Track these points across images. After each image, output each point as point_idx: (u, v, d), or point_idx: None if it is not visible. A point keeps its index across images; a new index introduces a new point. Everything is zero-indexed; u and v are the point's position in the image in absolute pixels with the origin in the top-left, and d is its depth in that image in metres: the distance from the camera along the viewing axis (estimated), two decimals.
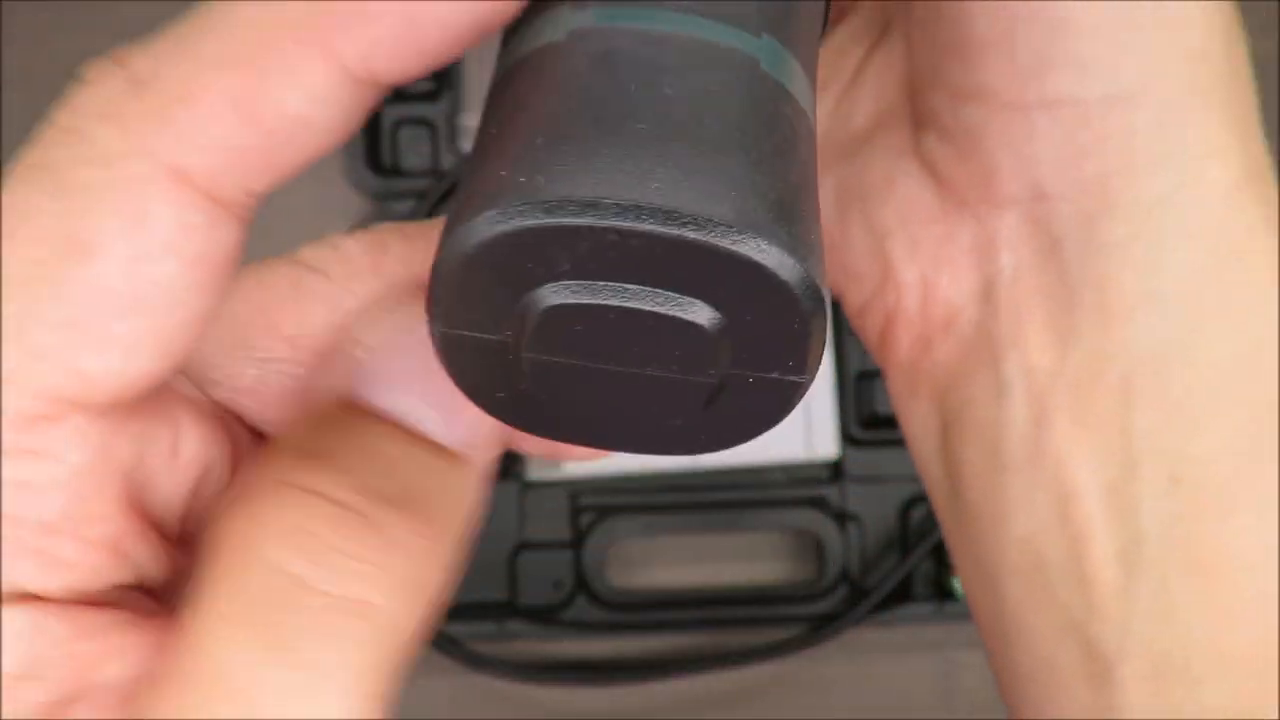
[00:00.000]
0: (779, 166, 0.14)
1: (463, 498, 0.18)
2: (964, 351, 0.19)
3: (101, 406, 0.13)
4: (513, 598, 0.57)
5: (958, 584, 0.54)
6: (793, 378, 0.14)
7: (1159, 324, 0.17)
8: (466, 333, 0.14)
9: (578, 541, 0.57)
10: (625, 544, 0.58)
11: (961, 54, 0.18)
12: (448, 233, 0.14)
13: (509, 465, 0.57)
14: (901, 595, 0.56)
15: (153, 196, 0.13)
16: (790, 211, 0.13)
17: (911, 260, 0.19)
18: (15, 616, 0.13)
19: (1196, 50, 0.20)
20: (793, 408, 0.15)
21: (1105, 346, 0.18)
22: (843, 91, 0.21)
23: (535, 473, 0.57)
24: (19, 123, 0.59)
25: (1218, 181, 0.18)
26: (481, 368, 0.15)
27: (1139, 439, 0.17)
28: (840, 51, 0.21)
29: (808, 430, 0.56)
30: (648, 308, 0.14)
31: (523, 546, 0.57)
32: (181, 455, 0.15)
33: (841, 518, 0.58)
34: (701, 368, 0.14)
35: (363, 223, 0.56)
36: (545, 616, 0.55)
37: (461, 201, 0.14)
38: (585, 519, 0.57)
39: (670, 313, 0.14)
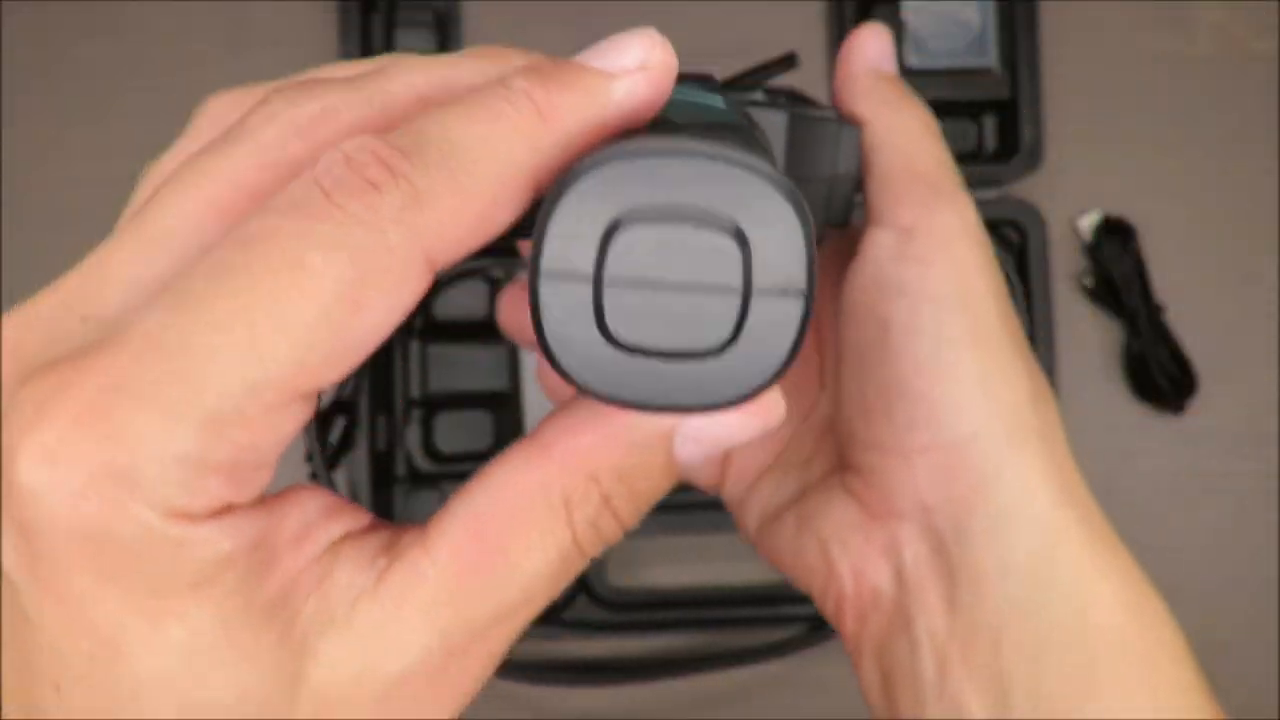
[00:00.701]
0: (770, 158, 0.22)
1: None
2: (888, 621, 0.27)
3: (307, 399, 0.19)
4: None
5: None
6: (799, 290, 0.19)
7: (1011, 591, 0.25)
8: (562, 269, 0.19)
9: None
10: (625, 544, 0.57)
11: (863, 419, 0.27)
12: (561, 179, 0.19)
13: None
14: None
15: (412, 277, 0.19)
16: (783, 174, 0.19)
17: (845, 558, 0.28)
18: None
19: (1014, 406, 0.26)
20: (803, 330, 0.19)
21: (978, 610, 0.25)
22: (804, 460, 0.31)
23: None
24: (19, 122, 0.59)
25: (1040, 491, 0.26)
26: (567, 305, 0.19)
27: (1007, 678, 0.25)
28: (799, 437, 0.32)
29: None
30: (690, 229, 0.19)
31: None
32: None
33: None
34: (732, 277, 0.19)
35: None
36: (545, 616, 0.55)
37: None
38: None
39: (708, 232, 0.19)
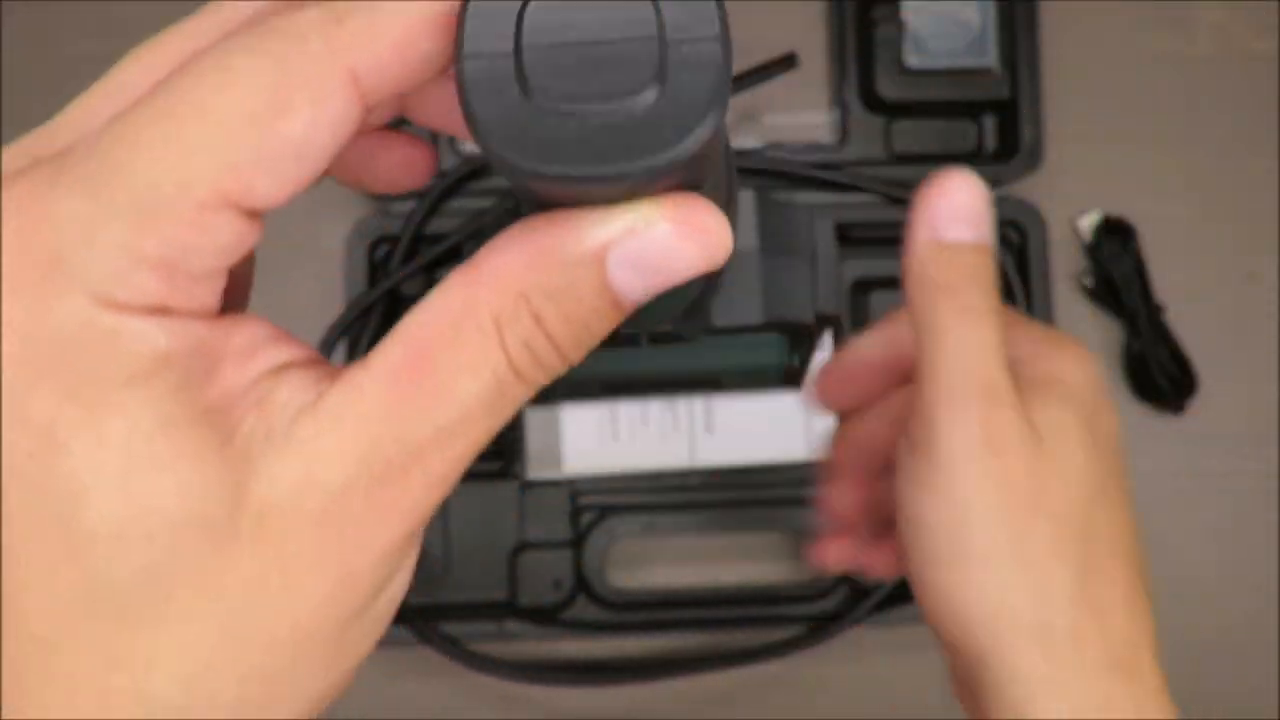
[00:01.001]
0: None
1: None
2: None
3: (248, 213, 0.20)
4: (513, 598, 0.57)
5: None
6: (714, 36, 0.19)
7: None
8: (484, 50, 0.19)
9: (578, 541, 0.57)
10: (625, 544, 0.58)
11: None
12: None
13: (508, 465, 0.57)
14: (901, 595, 0.56)
15: (336, 89, 0.19)
16: None
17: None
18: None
19: (1018, 623, 0.29)
20: (725, 71, 0.19)
21: None
22: None
23: (535, 472, 0.57)
24: (19, 122, 0.59)
25: (1041, 698, 0.29)
26: (491, 80, 0.19)
27: None
28: None
29: (808, 430, 0.56)
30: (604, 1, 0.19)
31: (523, 546, 0.57)
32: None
33: None
34: (648, 30, 0.19)
35: (363, 222, 0.56)
36: (545, 616, 0.55)
37: None
38: (585, 519, 0.57)
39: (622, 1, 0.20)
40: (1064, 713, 0.28)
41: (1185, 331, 0.59)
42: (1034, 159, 0.57)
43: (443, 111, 0.24)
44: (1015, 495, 0.28)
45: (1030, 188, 0.58)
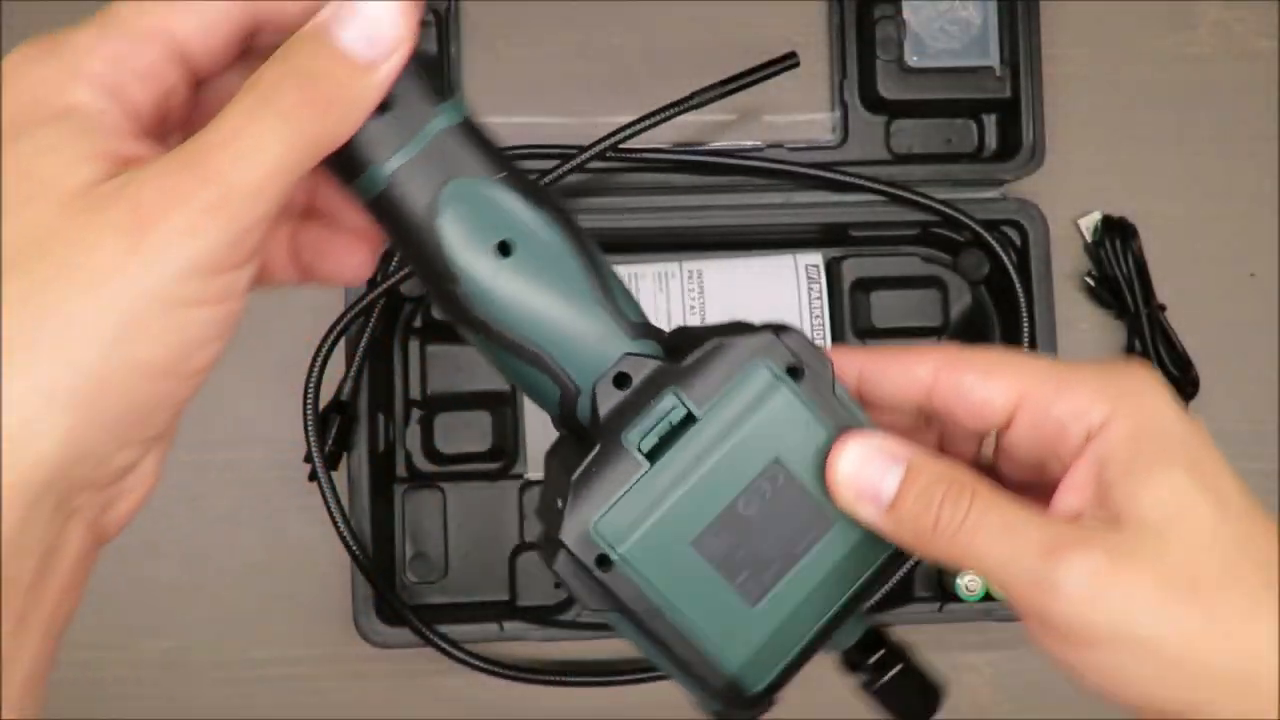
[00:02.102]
0: None
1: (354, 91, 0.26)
2: None
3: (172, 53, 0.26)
4: (513, 598, 0.57)
5: (958, 584, 0.54)
6: None
7: None
8: None
9: None
10: None
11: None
12: None
13: (509, 465, 0.57)
14: (901, 595, 0.56)
15: None
16: None
17: None
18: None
19: None
20: None
21: None
22: None
23: (535, 472, 0.57)
24: None
25: None
26: None
27: None
28: None
29: None
30: None
31: (523, 546, 0.57)
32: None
33: None
34: None
35: None
36: (545, 616, 0.55)
37: None
38: None
39: None
40: None
41: (1185, 331, 0.59)
42: (1035, 158, 0.57)
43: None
44: (1168, 592, 0.28)
45: (1031, 187, 0.58)
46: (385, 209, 0.28)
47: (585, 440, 0.30)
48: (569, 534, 0.29)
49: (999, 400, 0.30)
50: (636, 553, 0.29)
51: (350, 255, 0.30)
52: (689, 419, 0.29)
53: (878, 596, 0.32)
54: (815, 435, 0.29)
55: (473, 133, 0.28)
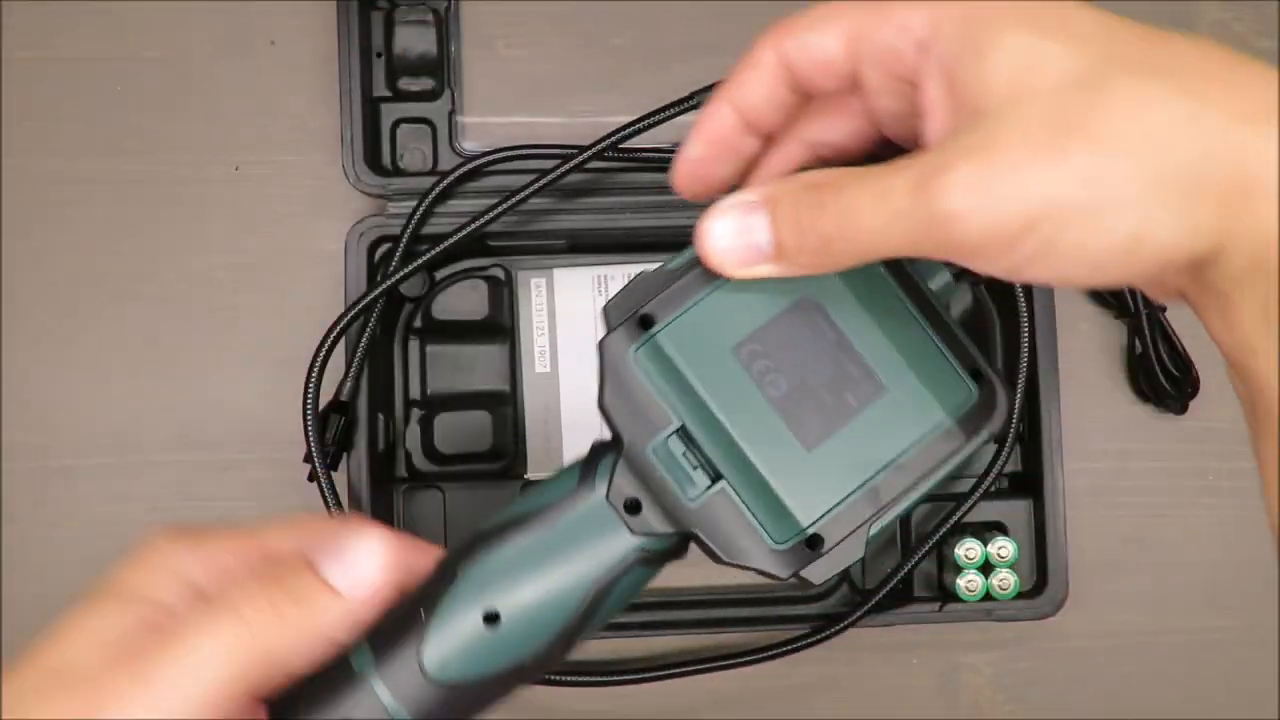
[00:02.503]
0: None
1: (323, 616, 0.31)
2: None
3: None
4: None
5: (958, 584, 0.54)
6: None
7: None
8: None
9: None
10: None
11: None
12: None
13: (509, 465, 0.57)
14: (901, 595, 0.56)
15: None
16: None
17: None
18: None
19: None
20: None
21: None
22: None
23: (535, 472, 0.57)
24: (19, 122, 0.59)
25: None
26: None
27: None
28: None
29: None
30: None
31: None
32: None
33: None
34: None
35: (363, 222, 0.56)
36: None
37: None
38: None
39: None
40: None
41: (1186, 331, 0.58)
42: None
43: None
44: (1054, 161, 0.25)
45: None
46: None
47: None
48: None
49: (833, 47, 0.29)
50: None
51: None
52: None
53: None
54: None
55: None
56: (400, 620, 0.31)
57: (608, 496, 0.31)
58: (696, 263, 0.30)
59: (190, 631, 0.29)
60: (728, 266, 0.29)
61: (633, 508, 0.31)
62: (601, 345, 0.31)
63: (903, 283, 0.32)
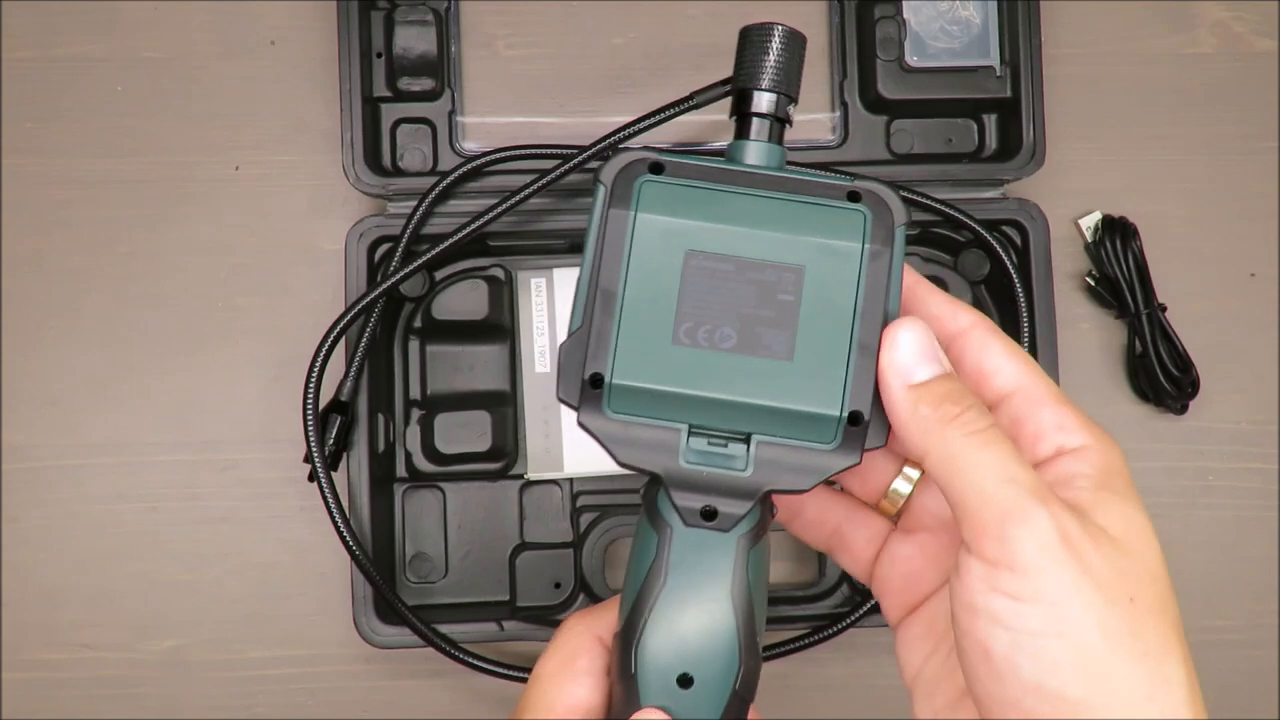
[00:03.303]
0: None
1: None
2: None
3: None
4: (513, 598, 0.57)
5: None
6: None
7: None
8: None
9: (578, 542, 0.57)
10: (625, 544, 0.57)
11: (991, 708, 0.30)
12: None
13: (509, 465, 0.57)
14: None
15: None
16: None
17: None
18: None
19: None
20: None
21: None
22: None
23: (535, 472, 0.57)
24: (19, 122, 0.59)
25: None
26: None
27: None
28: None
29: None
30: None
31: (523, 546, 0.57)
32: None
33: None
34: None
35: (363, 222, 0.56)
36: (545, 616, 0.55)
37: None
38: (585, 519, 0.57)
39: None
40: None
41: (1186, 331, 0.59)
42: (1035, 158, 0.57)
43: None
44: (1110, 591, 0.28)
45: (1031, 187, 0.58)
46: None
47: None
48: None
49: (1008, 374, 0.32)
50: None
51: None
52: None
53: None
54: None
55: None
56: None
57: (686, 524, 0.32)
58: (591, 299, 0.33)
59: None
60: (889, 353, 0.32)
61: (710, 515, 0.32)
62: (581, 424, 0.32)
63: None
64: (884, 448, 0.33)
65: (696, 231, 0.32)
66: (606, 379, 0.32)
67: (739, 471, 0.32)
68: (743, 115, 0.34)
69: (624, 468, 0.32)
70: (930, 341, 0.32)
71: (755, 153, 0.34)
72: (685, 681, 0.32)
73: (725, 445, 0.32)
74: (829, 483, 0.35)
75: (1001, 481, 0.29)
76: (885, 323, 0.32)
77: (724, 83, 0.55)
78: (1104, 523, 0.29)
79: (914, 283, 0.34)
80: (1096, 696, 0.28)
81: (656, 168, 0.33)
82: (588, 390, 0.32)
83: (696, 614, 0.32)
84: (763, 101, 0.34)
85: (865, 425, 0.32)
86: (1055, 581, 0.28)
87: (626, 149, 0.33)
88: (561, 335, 0.57)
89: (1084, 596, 0.28)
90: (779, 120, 0.34)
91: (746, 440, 0.32)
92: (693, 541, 0.32)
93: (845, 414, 0.32)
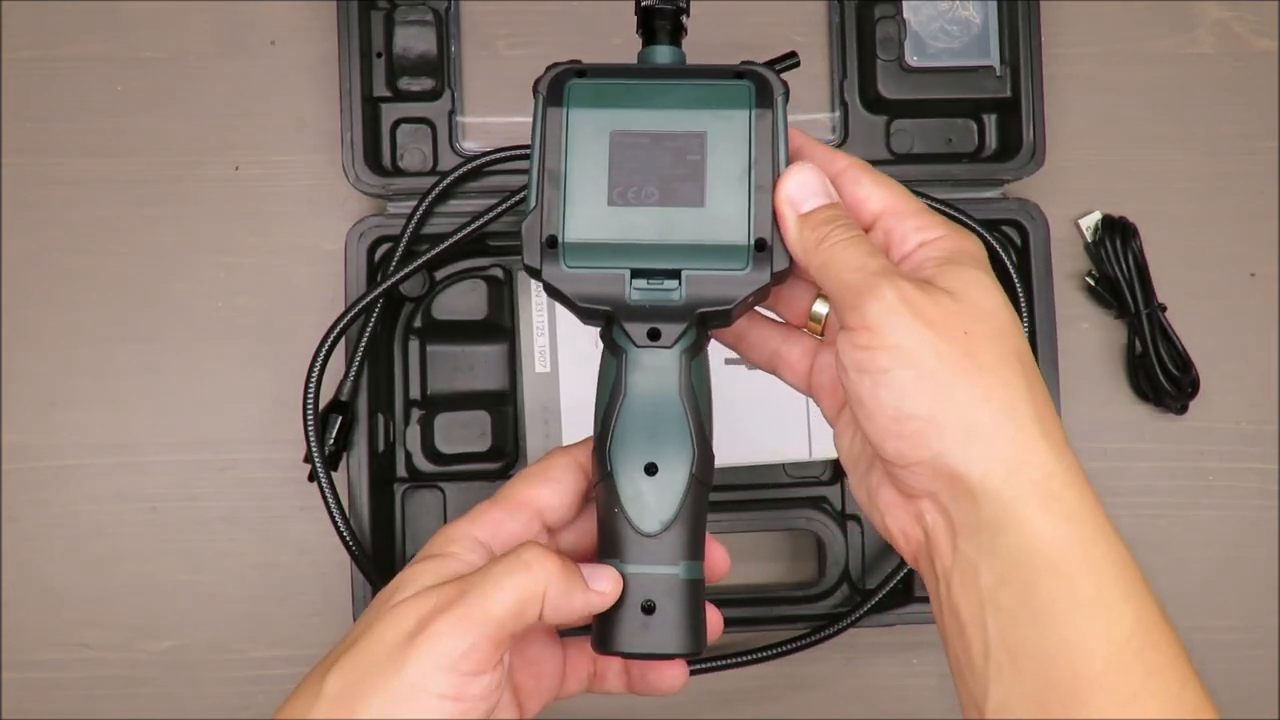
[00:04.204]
0: None
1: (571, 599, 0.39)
2: (927, 560, 0.37)
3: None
4: None
5: None
6: None
7: (983, 540, 0.35)
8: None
9: None
10: None
11: (873, 446, 0.37)
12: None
13: (509, 465, 0.57)
14: (901, 595, 0.56)
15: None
16: None
17: (895, 524, 0.38)
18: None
19: (964, 422, 0.35)
20: None
21: (966, 551, 0.35)
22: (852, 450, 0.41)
23: None
24: (19, 123, 0.59)
25: (993, 473, 0.35)
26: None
27: (984, 593, 0.35)
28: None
29: (809, 431, 0.56)
30: None
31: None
32: None
33: (842, 518, 0.58)
34: None
35: (363, 222, 0.56)
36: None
37: None
38: None
39: None
40: (1011, 478, 0.34)
41: (1186, 331, 0.59)
42: (1035, 158, 0.57)
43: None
44: (943, 329, 0.35)
45: (1031, 187, 0.58)
46: None
47: None
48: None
49: (877, 198, 0.39)
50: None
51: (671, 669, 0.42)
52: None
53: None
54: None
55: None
56: (609, 526, 0.39)
57: (636, 346, 0.39)
58: (541, 182, 0.39)
59: (493, 575, 0.36)
60: (782, 189, 0.39)
61: (655, 335, 0.39)
62: (545, 281, 0.39)
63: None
64: (800, 279, 0.40)
65: (617, 115, 0.39)
66: (560, 239, 0.39)
67: (674, 300, 0.39)
68: (647, 27, 0.42)
69: (583, 313, 0.39)
70: (817, 179, 0.38)
71: (659, 54, 0.41)
72: (651, 469, 0.38)
73: (661, 281, 0.39)
74: (769, 317, 0.42)
75: (854, 270, 0.36)
76: (777, 171, 0.39)
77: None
78: (945, 285, 0.36)
79: (801, 141, 0.40)
80: (940, 409, 0.35)
81: (580, 72, 0.40)
82: (546, 252, 0.39)
83: (653, 413, 0.39)
84: (655, 3, 0.41)
85: (769, 250, 0.39)
86: (896, 328, 0.35)
87: (556, 64, 0.40)
88: (562, 335, 0.57)
89: (919, 334, 0.35)
90: (676, 25, 0.42)
91: (678, 276, 0.39)
92: (644, 360, 0.39)
93: (752, 241, 0.39)
